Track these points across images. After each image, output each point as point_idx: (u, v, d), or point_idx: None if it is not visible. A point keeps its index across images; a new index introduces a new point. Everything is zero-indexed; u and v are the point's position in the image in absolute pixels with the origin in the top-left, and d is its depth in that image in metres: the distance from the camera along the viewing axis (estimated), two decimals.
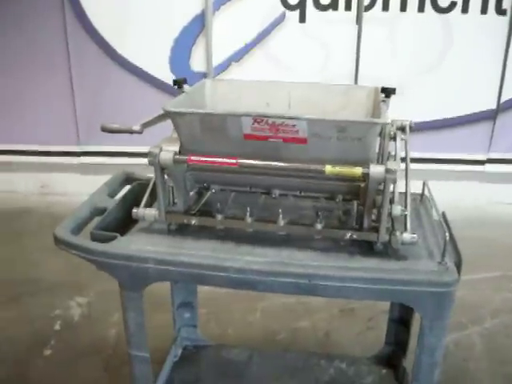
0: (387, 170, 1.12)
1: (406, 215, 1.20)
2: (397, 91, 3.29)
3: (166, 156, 1.22)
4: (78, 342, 2.24)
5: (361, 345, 2.18)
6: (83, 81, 3.27)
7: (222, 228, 1.30)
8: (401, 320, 1.75)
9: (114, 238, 1.30)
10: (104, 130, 1.46)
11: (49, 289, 2.59)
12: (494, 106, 3.19)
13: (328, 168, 1.15)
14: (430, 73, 3.11)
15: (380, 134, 1.30)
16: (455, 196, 3.27)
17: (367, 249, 1.24)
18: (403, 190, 1.29)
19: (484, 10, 2.97)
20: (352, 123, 1.11)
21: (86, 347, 2.22)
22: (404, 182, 1.29)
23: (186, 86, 1.39)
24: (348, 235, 1.21)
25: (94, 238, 1.32)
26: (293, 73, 3.16)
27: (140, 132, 1.40)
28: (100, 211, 1.44)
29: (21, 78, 3.34)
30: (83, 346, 2.22)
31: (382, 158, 1.29)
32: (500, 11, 2.97)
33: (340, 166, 1.15)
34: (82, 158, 3.47)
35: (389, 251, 1.23)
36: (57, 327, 2.34)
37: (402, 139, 1.31)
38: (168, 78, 3.27)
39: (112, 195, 1.55)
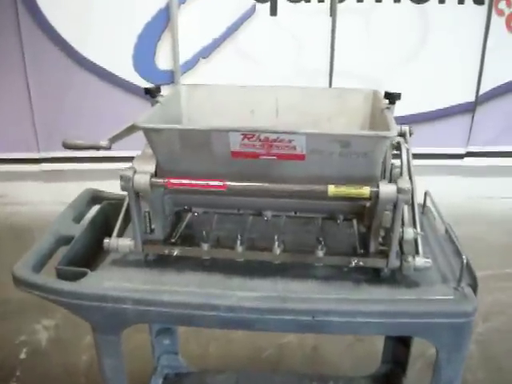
0: (399, 190, 0.98)
1: (417, 237, 1.07)
2: (373, 85, 3.15)
3: (142, 180, 1.05)
4: (47, 371, 2.05)
5: (351, 359, 2.06)
6: (40, 82, 3.03)
7: (207, 257, 1.14)
8: (399, 337, 1.63)
9: (83, 275, 1.12)
10: (66, 146, 1.28)
11: (12, 311, 2.38)
12: (472, 98, 3.11)
13: (331, 189, 1.00)
14: (407, 65, 3.00)
15: None
16: (434, 191, 3.18)
17: (373, 275, 1.11)
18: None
19: (461, 1, 2.87)
20: (359, 137, 0.96)
21: (56, 376, 2.04)
22: None
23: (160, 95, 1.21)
24: (354, 262, 1.07)
25: (61, 275, 1.14)
26: (265, 68, 3.00)
27: (108, 148, 1.23)
28: (66, 240, 1.26)
29: None
30: (53, 375, 2.03)
31: (384, 171, 1.16)
32: (478, 1, 2.87)
33: (344, 185, 1.01)
34: (42, 164, 3.23)
35: (397, 277, 1.09)
36: (22, 355, 2.13)
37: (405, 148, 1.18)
38: (132, 76, 3.08)
39: (78, 219, 1.36)
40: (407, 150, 1.22)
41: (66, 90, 3.03)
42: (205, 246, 1.11)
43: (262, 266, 1.12)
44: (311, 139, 0.97)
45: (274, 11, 2.90)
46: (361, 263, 1.07)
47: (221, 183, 1.02)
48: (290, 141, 0.98)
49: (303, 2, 2.87)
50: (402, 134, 1.28)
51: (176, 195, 1.13)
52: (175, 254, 1.12)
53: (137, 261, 1.17)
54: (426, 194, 1.38)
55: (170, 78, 3.06)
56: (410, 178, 1.17)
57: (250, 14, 2.91)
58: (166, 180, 1.04)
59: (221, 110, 1.29)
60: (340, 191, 1.00)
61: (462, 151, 3.23)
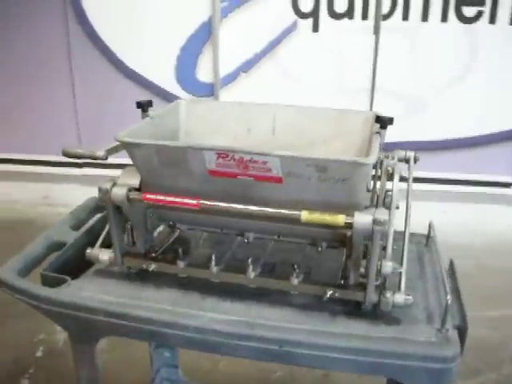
0: (375, 221, 0.92)
1: (400, 272, 1.00)
2: (417, 106, 3.05)
3: (119, 192, 1.05)
4: (59, 371, 2.09)
5: None
6: (85, 90, 3.14)
7: (184, 275, 1.12)
8: None
9: (64, 282, 1.13)
10: (66, 155, 1.30)
11: (35, 310, 2.45)
12: None
13: (305, 214, 0.96)
14: (453, 87, 2.87)
15: (377, 168, 1.11)
16: (477, 220, 3.03)
17: (354, 308, 1.05)
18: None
19: None
20: (333, 162, 0.92)
21: (67, 377, 2.06)
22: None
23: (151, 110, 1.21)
24: (329, 293, 1.01)
25: (44, 281, 1.16)
26: (304, 85, 2.97)
27: (104, 158, 1.24)
28: (59, 246, 1.28)
29: (23, 86, 3.24)
30: (63, 376, 2.06)
31: (377, 198, 1.10)
32: None
33: (320, 211, 0.96)
34: (84, 169, 3.34)
35: (378, 312, 1.03)
36: (38, 353, 2.19)
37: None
38: (174, 88, 3.13)
39: (78, 226, 1.38)
40: (408, 178, 1.16)
41: (109, 98, 3.12)
42: (181, 264, 1.09)
43: (239, 289, 1.09)
44: (285, 162, 0.94)
45: (316, 27, 2.87)
46: (337, 294, 1.02)
47: (194, 201, 1.00)
48: (264, 162, 0.95)
49: (346, 18, 2.82)
50: (406, 160, 1.21)
51: (157, 210, 1.11)
52: (151, 269, 1.11)
53: (119, 273, 1.17)
54: (430, 225, 1.30)
55: (210, 90, 3.09)
56: (407, 208, 1.12)
57: (291, 29, 2.89)
58: (142, 194, 1.04)
59: (218, 127, 1.27)
60: (314, 218, 0.95)
61: (508, 179, 3.06)
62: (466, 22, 2.74)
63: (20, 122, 3.31)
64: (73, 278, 1.15)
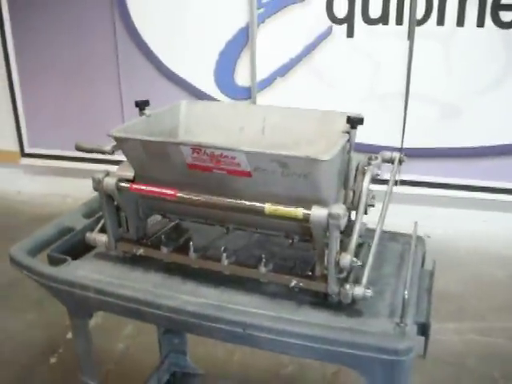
0: (331, 215, 0.98)
1: (360, 265, 1.05)
2: (451, 112, 3.04)
3: (110, 182, 1.16)
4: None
5: None
6: (131, 92, 3.32)
7: (169, 261, 1.21)
8: None
9: (64, 262, 1.26)
10: (78, 149, 1.44)
11: None
12: None
13: (268, 207, 1.03)
14: (489, 94, 2.82)
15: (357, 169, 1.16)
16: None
17: (321, 299, 1.10)
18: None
19: None
20: (291, 158, 0.98)
21: None
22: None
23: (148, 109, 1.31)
24: (293, 282, 1.07)
25: (50, 261, 1.28)
26: (339, 90, 3.01)
27: (110, 153, 1.36)
28: (69, 231, 1.40)
29: (73, 87, 3.47)
30: None
31: (353, 197, 1.15)
32: None
33: (286, 204, 1.03)
34: None
35: (343, 305, 1.08)
36: (68, 335, 2.35)
37: (377, 175, 1.16)
38: (213, 91, 3.24)
39: (89, 215, 1.50)
40: (392, 175, 1.21)
41: (152, 99, 3.27)
42: (164, 250, 1.19)
43: (217, 276, 1.17)
44: (251, 157, 1.01)
45: (350, 33, 2.90)
46: (301, 284, 1.08)
47: (172, 192, 1.09)
48: (233, 157, 1.03)
49: (381, 24, 2.84)
50: (391, 161, 1.25)
51: (147, 200, 1.22)
52: (138, 253, 1.21)
53: (115, 256, 1.28)
54: (415, 224, 1.32)
55: (248, 94, 3.18)
56: (384, 204, 1.15)
57: (326, 34, 2.94)
58: (129, 185, 1.14)
59: (214, 125, 1.36)
60: (276, 210, 1.02)
61: None
62: (502, 27, 2.69)
63: (71, 121, 3.54)
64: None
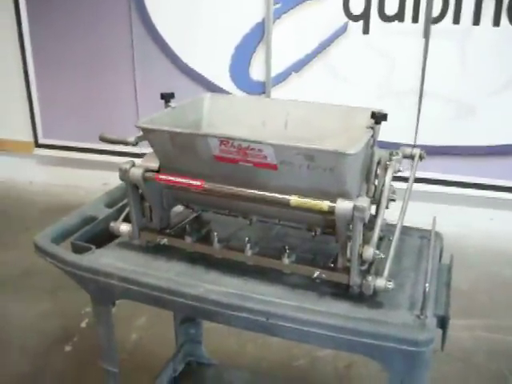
0: (356, 208, 1.00)
1: (382, 258, 1.06)
2: (467, 111, 3.04)
3: (136, 172, 1.18)
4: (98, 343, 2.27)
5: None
6: (146, 84, 3.34)
7: (192, 250, 1.23)
8: None
9: (88, 250, 1.28)
10: (102, 139, 1.47)
11: None
12: None
13: (294, 199, 1.05)
14: (504, 93, 2.82)
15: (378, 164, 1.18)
16: None
17: (342, 290, 1.12)
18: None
19: None
20: (317, 152, 1.00)
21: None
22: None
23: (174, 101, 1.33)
24: (316, 273, 1.10)
25: (74, 249, 1.31)
26: (353, 86, 3.02)
27: (134, 144, 1.38)
28: (92, 220, 1.43)
29: (87, 79, 3.50)
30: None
31: (375, 190, 1.16)
32: None
33: (310, 197, 1.05)
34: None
35: (364, 296, 1.10)
36: (83, 325, 2.39)
37: (398, 171, 1.18)
38: (228, 85, 3.26)
39: (112, 204, 1.53)
40: (412, 172, 1.22)
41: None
42: (188, 239, 1.21)
43: (240, 266, 1.19)
44: (278, 150, 1.03)
45: (366, 29, 2.91)
46: (323, 276, 1.10)
47: (198, 183, 1.11)
48: (260, 150, 1.05)
49: (396, 21, 2.84)
50: (411, 157, 1.27)
51: (172, 191, 1.24)
52: (162, 242, 1.23)
53: (139, 246, 1.31)
54: (434, 220, 1.34)
55: (262, 88, 3.20)
56: (405, 201, 1.17)
57: (342, 31, 2.95)
58: (156, 175, 1.16)
59: (237, 119, 1.38)
60: (302, 203, 1.04)
61: None
62: None
63: (85, 113, 3.57)
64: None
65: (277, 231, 1.30)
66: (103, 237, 1.36)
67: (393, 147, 1.24)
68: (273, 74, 3.15)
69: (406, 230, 1.39)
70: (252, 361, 2.15)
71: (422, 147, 3.04)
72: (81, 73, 3.50)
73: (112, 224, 1.29)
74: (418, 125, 2.95)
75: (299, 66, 3.11)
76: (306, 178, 1.06)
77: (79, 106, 3.56)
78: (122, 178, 1.20)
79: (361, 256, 1.04)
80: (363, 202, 1.00)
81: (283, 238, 1.29)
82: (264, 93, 3.19)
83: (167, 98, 1.30)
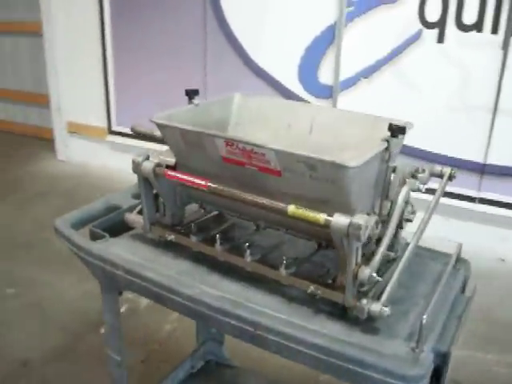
0: (351, 224, 0.93)
1: (379, 281, 0.99)
2: None
3: (147, 166, 1.18)
4: (132, 329, 2.32)
5: None
6: (216, 80, 3.38)
7: (197, 250, 1.22)
8: None
9: (101, 238, 1.30)
10: (133, 130, 1.49)
11: None
12: None
13: (291, 208, 1.00)
14: None
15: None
16: None
17: (340, 311, 1.06)
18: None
19: None
20: (318, 161, 0.95)
21: (137, 336, 2.29)
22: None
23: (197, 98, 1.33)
24: (310, 288, 1.04)
25: (92, 236, 1.34)
26: (423, 96, 2.87)
27: (162, 139, 1.39)
28: (115, 209, 1.45)
29: (161, 71, 3.60)
30: (134, 334, 2.28)
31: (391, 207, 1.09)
32: None
33: (314, 207, 1.00)
34: None
35: (361, 320, 1.03)
36: (122, 310, 2.44)
37: (418, 189, 1.09)
38: (295, 87, 3.23)
39: (139, 196, 1.54)
40: (439, 192, 1.14)
41: (236, 90, 3.32)
42: (193, 238, 1.19)
43: (242, 272, 1.16)
44: (279, 156, 0.99)
45: (441, 38, 2.76)
46: (318, 292, 1.04)
47: (203, 182, 1.10)
48: (263, 154, 1.01)
49: (475, 31, 2.67)
50: (440, 176, 1.18)
51: (185, 188, 1.23)
52: (169, 238, 1.23)
53: (151, 239, 1.31)
54: (458, 245, 1.24)
55: (330, 92, 3.13)
56: (425, 222, 1.08)
57: (415, 38, 2.82)
58: (164, 171, 1.16)
59: (264, 120, 1.35)
60: (299, 213, 0.99)
61: None
62: None
63: (156, 105, 3.66)
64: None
65: (288, 239, 1.25)
66: (123, 227, 1.38)
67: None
68: (341, 78, 3.08)
69: (431, 254, 1.30)
70: (273, 369, 2.11)
71: (493, 167, 2.85)
72: (156, 64, 3.61)
73: (127, 215, 1.31)
74: (489, 143, 2.76)
75: (369, 71, 3.01)
76: (309, 187, 1.01)
77: (152, 96, 3.67)
78: (134, 171, 1.20)
79: (356, 276, 0.98)
80: (360, 219, 0.93)
81: (294, 247, 1.24)
82: (331, 97, 3.13)
83: (191, 94, 1.29)
